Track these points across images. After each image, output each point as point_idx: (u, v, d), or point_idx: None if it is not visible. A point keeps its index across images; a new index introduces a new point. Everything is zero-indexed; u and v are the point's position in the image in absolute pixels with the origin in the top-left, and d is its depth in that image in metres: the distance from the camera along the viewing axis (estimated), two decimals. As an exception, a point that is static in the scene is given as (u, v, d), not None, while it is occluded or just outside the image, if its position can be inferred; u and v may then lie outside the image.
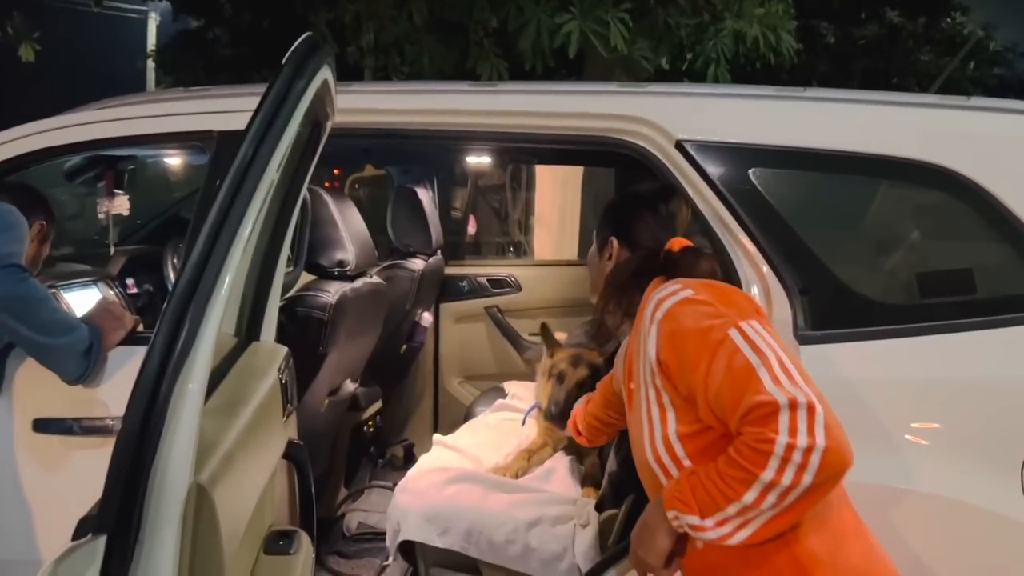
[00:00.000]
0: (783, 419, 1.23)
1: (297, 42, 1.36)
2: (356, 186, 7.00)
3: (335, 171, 6.57)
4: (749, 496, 1.25)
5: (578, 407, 2.13)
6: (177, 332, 1.10)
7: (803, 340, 1.76)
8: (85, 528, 1.08)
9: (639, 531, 1.44)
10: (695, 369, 1.34)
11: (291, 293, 2.64)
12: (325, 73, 1.45)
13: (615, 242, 1.67)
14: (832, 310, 1.81)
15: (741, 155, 1.89)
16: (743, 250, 1.83)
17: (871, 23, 10.40)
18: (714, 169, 1.88)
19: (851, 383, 1.73)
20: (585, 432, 2.08)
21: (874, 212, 2.01)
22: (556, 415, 2.45)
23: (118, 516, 1.07)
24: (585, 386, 2.47)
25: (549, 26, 4.92)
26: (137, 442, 1.07)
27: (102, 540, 1.06)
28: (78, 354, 1.85)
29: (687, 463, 1.40)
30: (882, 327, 1.79)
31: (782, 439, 1.22)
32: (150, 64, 10.08)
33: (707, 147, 1.90)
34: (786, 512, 1.27)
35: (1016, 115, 1.95)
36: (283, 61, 1.30)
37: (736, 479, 1.26)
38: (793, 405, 1.24)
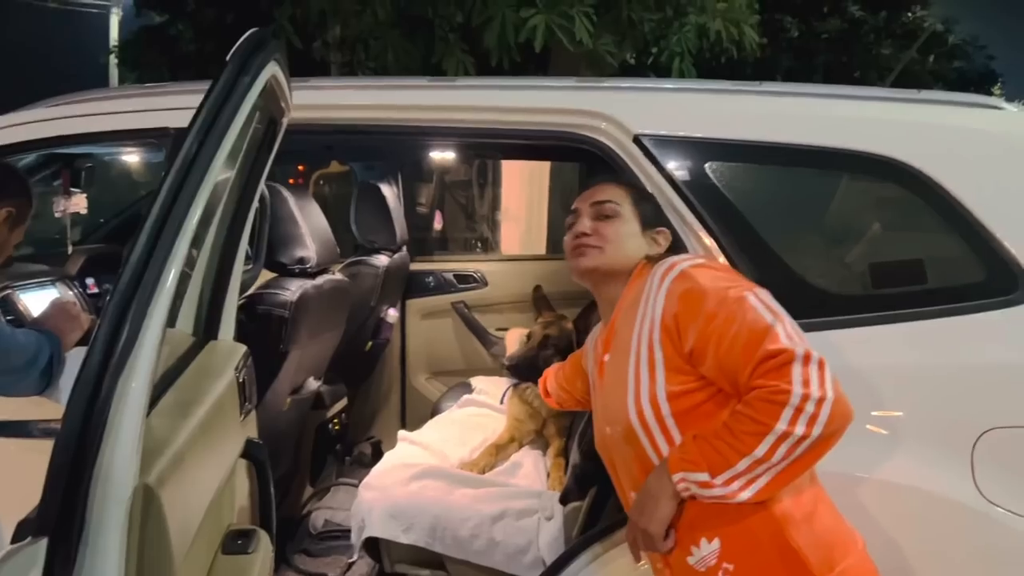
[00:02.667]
0: (797, 370, 1.29)
1: (243, 38, 1.34)
2: (321, 182, 6.94)
3: (300, 168, 6.52)
4: (761, 449, 1.29)
5: (550, 370, 2.19)
6: (119, 329, 1.08)
7: (759, 331, 1.77)
8: (25, 531, 1.06)
9: (639, 502, 1.46)
10: (711, 320, 1.38)
11: (251, 291, 2.61)
12: (273, 68, 1.44)
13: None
14: (788, 302, 1.82)
15: (698, 149, 1.90)
16: (700, 243, 1.84)
17: (833, 17, 10.55)
18: (671, 163, 1.88)
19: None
20: (554, 395, 2.15)
21: (828, 205, 2.03)
22: (510, 365, 2.69)
23: (59, 518, 1.05)
24: (548, 345, 2.67)
25: (514, 20, 4.93)
26: (78, 442, 1.05)
27: (43, 543, 1.03)
28: (40, 373, 1.75)
29: (670, 422, 1.43)
30: (837, 317, 1.80)
31: (797, 390, 1.28)
32: (112, 60, 9.94)
33: (664, 141, 1.91)
34: (793, 466, 1.31)
35: (964, 107, 1.98)
36: (227, 57, 1.29)
37: (748, 432, 1.30)
38: (807, 358, 1.30)
